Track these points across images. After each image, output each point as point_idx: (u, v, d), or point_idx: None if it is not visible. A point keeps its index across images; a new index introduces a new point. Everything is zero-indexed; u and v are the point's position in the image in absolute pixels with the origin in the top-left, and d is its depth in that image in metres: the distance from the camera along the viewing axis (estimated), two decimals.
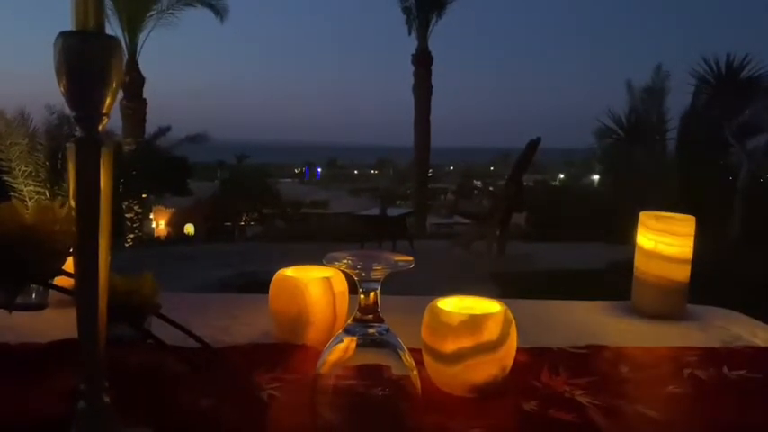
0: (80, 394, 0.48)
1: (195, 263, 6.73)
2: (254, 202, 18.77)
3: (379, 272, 0.49)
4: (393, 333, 0.53)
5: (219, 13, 11.10)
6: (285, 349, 0.75)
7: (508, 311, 0.65)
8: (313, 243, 7.50)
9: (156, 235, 14.58)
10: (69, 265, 0.74)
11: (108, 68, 0.46)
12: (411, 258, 0.51)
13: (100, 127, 0.47)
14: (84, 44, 0.45)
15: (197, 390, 0.64)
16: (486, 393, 0.63)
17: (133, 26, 10.70)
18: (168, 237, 14.65)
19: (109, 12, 9.80)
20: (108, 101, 0.46)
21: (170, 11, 10.97)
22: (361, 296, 0.52)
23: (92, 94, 0.46)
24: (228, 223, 17.32)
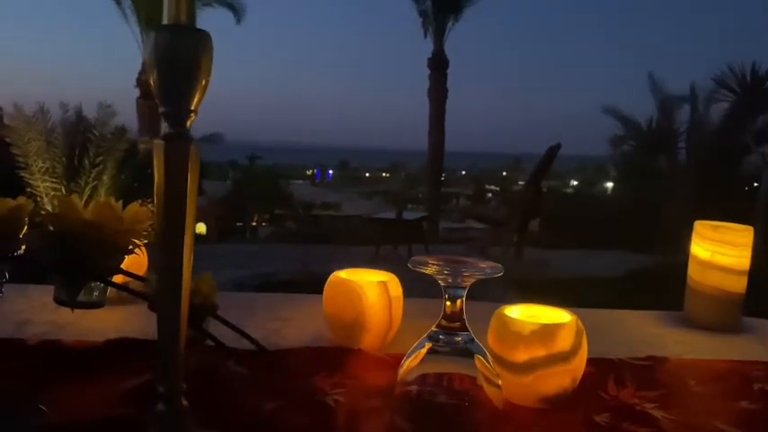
0: (159, 396, 0.47)
1: (210, 262, 6.74)
2: (266, 203, 18.83)
3: (468, 278, 0.48)
4: (478, 342, 0.51)
5: (237, 12, 11.08)
6: (341, 354, 0.74)
7: (579, 321, 0.63)
8: (327, 245, 7.49)
9: None
10: (125, 263, 0.73)
11: (198, 63, 0.44)
12: (499, 266, 0.49)
13: (188, 123, 0.45)
14: (177, 38, 0.44)
15: (260, 392, 0.62)
16: (557, 405, 0.62)
17: (152, 25, 10.76)
18: None
19: (128, 11, 9.85)
20: (197, 97, 0.45)
21: None
22: (447, 303, 0.50)
23: (181, 90, 0.44)
24: (240, 223, 17.38)
